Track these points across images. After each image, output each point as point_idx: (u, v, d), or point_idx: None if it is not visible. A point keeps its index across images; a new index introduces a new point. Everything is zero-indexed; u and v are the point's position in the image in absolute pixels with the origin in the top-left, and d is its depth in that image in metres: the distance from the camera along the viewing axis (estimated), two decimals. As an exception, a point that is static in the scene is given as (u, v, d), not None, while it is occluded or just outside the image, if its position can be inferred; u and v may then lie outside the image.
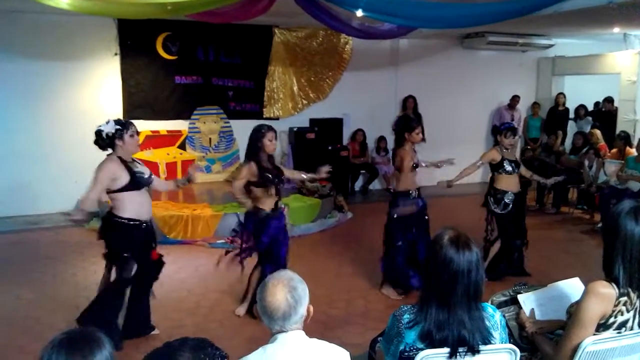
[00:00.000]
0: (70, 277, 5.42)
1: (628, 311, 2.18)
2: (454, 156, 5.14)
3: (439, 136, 9.33)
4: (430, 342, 2.02)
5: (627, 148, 7.64)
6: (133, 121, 4.02)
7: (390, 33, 6.73)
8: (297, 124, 9.01)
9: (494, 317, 2.12)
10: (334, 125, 9.34)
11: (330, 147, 8.92)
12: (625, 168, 7.11)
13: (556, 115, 10.06)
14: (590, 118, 10.11)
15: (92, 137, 3.81)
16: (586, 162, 7.93)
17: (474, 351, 2.00)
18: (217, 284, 5.22)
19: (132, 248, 3.81)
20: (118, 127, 3.77)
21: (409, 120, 5.09)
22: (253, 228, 4.39)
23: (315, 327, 3.82)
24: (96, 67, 7.87)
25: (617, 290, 2.16)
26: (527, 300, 2.72)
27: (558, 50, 10.48)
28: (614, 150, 7.89)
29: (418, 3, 5.31)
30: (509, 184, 5.21)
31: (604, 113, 9.95)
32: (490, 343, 2.05)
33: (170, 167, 8.21)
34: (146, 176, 3.90)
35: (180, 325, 4.39)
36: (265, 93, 8.91)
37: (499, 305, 2.73)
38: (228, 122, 8.76)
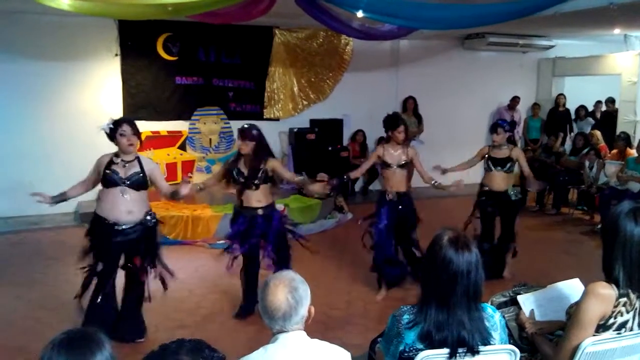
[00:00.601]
0: (71, 278, 5.38)
1: (628, 312, 2.18)
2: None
3: (439, 137, 9.32)
4: (430, 342, 2.02)
5: (628, 149, 7.64)
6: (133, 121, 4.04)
7: (390, 34, 6.73)
8: (298, 124, 9.00)
9: (494, 318, 2.12)
10: (334, 126, 9.33)
11: (330, 148, 8.90)
12: (625, 169, 7.11)
13: (556, 116, 10.05)
14: (590, 119, 10.12)
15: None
16: (587, 163, 7.92)
17: (474, 352, 2.00)
18: (218, 284, 5.23)
19: (98, 246, 3.92)
20: (111, 126, 3.85)
21: (393, 118, 5.06)
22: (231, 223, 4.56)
23: (316, 328, 3.78)
24: (97, 67, 7.86)
25: (616, 291, 2.15)
26: (527, 301, 2.72)
27: (558, 51, 10.47)
28: (615, 151, 7.89)
29: (418, 4, 5.31)
30: (489, 180, 5.34)
31: (606, 114, 9.95)
32: (489, 344, 2.05)
33: (171, 167, 8.20)
34: (118, 176, 3.81)
35: (181, 325, 4.40)
36: (266, 94, 8.90)
37: (499, 306, 2.73)
38: (228, 123, 8.75)
